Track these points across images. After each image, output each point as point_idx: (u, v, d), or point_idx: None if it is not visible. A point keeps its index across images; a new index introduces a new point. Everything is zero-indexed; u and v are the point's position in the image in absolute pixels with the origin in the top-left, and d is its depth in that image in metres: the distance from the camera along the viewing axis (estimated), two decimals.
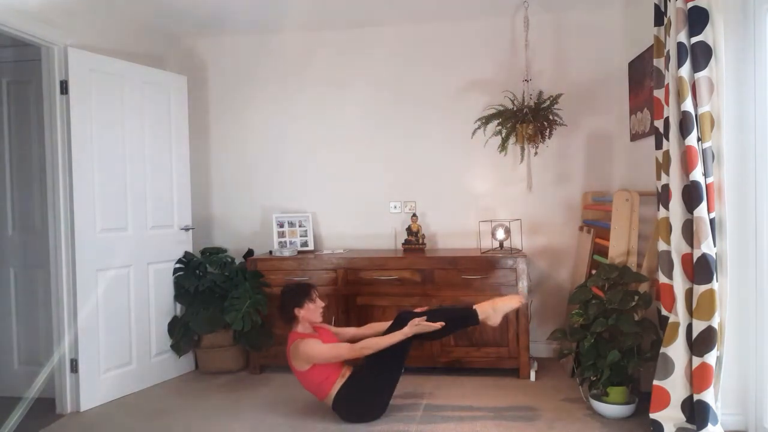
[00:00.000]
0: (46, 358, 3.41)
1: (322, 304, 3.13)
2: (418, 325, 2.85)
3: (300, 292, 3.07)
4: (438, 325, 2.85)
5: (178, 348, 3.81)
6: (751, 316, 2.63)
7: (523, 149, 3.85)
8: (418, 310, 3.14)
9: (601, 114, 4.00)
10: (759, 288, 2.60)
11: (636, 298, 2.93)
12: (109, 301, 3.45)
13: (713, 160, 2.50)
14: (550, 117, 3.67)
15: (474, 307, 3.00)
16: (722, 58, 2.48)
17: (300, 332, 3.06)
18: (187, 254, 3.94)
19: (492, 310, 2.98)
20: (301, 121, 4.37)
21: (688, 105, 2.48)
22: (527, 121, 3.63)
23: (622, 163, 3.94)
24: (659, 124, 2.75)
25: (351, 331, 3.29)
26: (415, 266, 3.70)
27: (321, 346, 2.95)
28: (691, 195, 2.48)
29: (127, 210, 3.59)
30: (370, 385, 2.97)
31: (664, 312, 2.69)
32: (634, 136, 3.68)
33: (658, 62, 2.78)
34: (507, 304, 3.01)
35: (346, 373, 2.99)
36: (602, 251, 3.46)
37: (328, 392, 2.96)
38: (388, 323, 3.08)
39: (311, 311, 3.06)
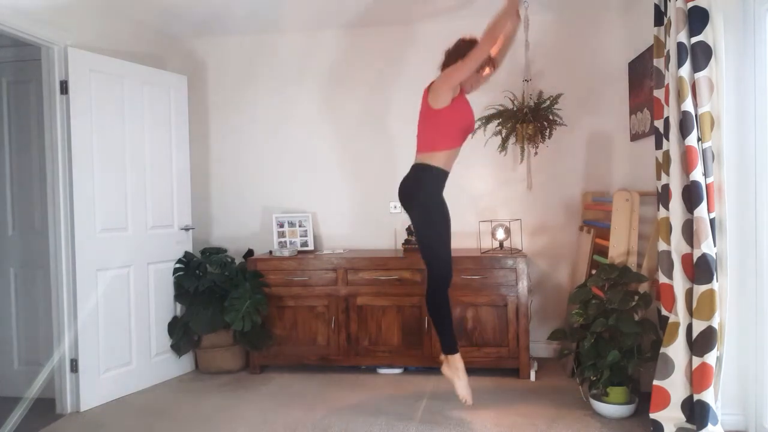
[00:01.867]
0: (46, 358, 3.41)
1: (488, 75, 3.00)
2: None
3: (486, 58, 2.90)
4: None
5: (178, 348, 3.81)
6: (751, 316, 2.62)
7: (523, 149, 3.84)
8: None
9: (601, 114, 4.00)
10: (759, 288, 2.60)
11: (636, 298, 2.93)
12: (109, 301, 3.45)
13: (713, 160, 2.50)
14: (550, 117, 3.67)
15: (458, 354, 2.93)
16: (722, 58, 2.48)
17: None
18: (187, 254, 3.94)
19: (455, 369, 2.92)
20: (301, 120, 4.37)
21: (688, 105, 2.48)
22: (527, 121, 3.63)
23: (622, 163, 3.94)
24: (659, 124, 2.75)
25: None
26: (415, 266, 3.70)
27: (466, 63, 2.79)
28: (691, 195, 2.48)
29: (127, 210, 3.59)
30: (441, 201, 2.93)
31: (664, 312, 2.69)
32: (634, 136, 3.68)
33: (658, 62, 2.78)
34: (460, 384, 2.90)
35: (449, 165, 2.93)
36: (602, 251, 3.46)
37: (430, 151, 2.88)
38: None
39: (474, 79, 2.96)
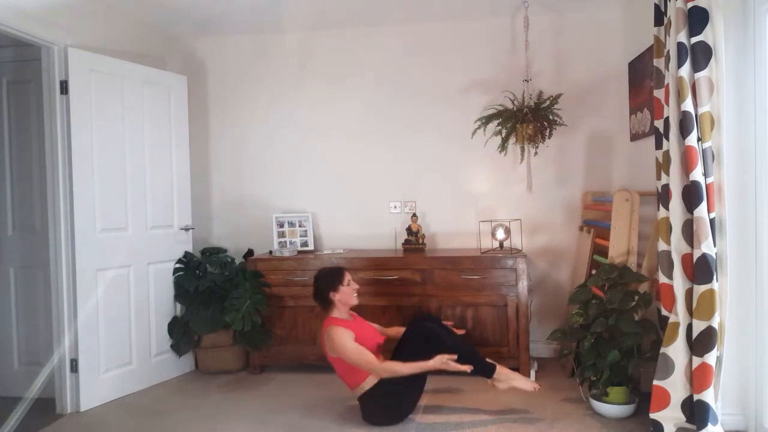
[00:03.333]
0: (46, 358, 3.41)
1: (356, 287, 3.10)
2: (445, 363, 2.81)
3: (333, 276, 3.05)
4: (466, 368, 2.83)
5: (178, 348, 3.81)
6: (751, 316, 2.62)
7: (523, 149, 3.85)
8: (446, 323, 3.20)
9: (601, 114, 4.00)
10: (759, 288, 2.60)
11: (636, 298, 2.93)
12: (109, 301, 3.45)
13: (713, 160, 2.50)
14: (550, 117, 3.67)
15: (497, 365, 2.98)
16: (722, 58, 2.48)
17: (335, 317, 3.02)
18: (187, 254, 3.94)
19: (505, 377, 2.97)
20: (301, 121, 4.37)
21: (688, 105, 2.48)
22: (527, 121, 3.63)
23: (622, 163, 3.94)
24: (659, 124, 2.75)
25: (379, 328, 3.28)
26: (415, 266, 3.70)
27: (350, 344, 2.89)
28: (691, 195, 2.48)
29: (127, 210, 3.59)
30: (400, 392, 2.94)
31: (664, 312, 2.69)
32: (634, 136, 3.68)
33: (658, 62, 2.78)
34: (521, 382, 2.98)
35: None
36: (602, 251, 3.46)
37: (360, 383, 2.91)
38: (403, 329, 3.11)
39: (346, 294, 3.03)
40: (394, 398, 2.93)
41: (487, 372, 2.98)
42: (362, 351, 2.89)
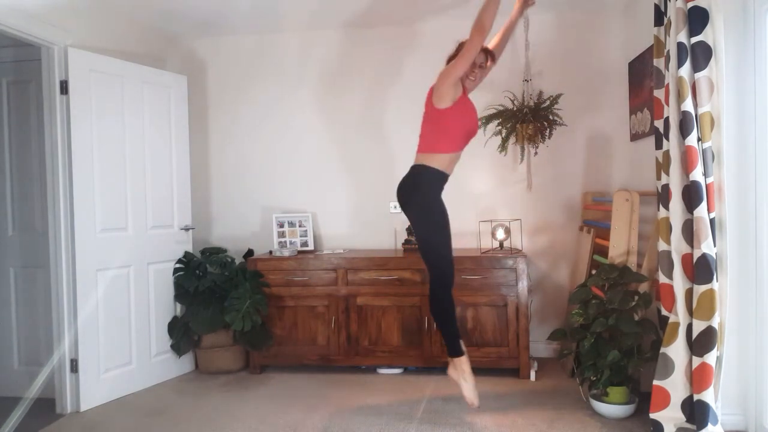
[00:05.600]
0: (46, 358, 3.41)
1: (483, 76, 3.01)
2: None
3: (482, 51, 2.87)
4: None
5: (178, 348, 3.81)
6: (751, 316, 2.63)
7: (523, 149, 3.84)
8: None
9: (601, 114, 4.00)
10: (759, 288, 2.60)
11: (636, 298, 2.93)
12: (109, 301, 3.45)
13: (713, 160, 2.50)
14: (550, 117, 3.67)
15: (465, 356, 2.89)
16: (722, 58, 2.47)
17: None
18: (187, 254, 3.94)
19: (461, 372, 2.88)
20: (301, 121, 4.37)
21: (688, 105, 2.48)
22: (527, 121, 3.63)
23: (622, 163, 3.94)
24: (659, 124, 2.75)
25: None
26: (415, 266, 3.69)
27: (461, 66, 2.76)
28: (691, 195, 2.48)
29: (127, 210, 3.59)
30: (436, 194, 2.90)
31: (664, 312, 2.69)
32: (634, 136, 3.68)
33: (658, 62, 2.78)
34: (466, 387, 2.87)
35: (449, 168, 2.91)
36: (602, 251, 3.46)
37: (429, 151, 2.87)
38: None
39: (473, 74, 2.91)
40: (433, 190, 2.88)
41: (453, 351, 2.89)
42: (466, 54, 2.73)
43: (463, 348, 2.91)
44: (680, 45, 2.49)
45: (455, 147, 2.91)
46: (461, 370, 2.89)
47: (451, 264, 2.93)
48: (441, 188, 2.94)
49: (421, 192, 2.89)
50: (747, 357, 2.64)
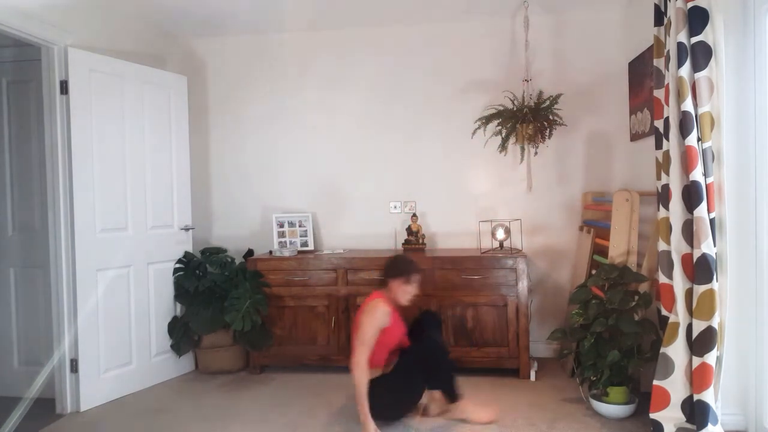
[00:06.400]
0: (46, 358, 3.41)
1: (416, 292, 3.06)
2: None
3: (406, 269, 3.01)
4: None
5: (178, 348, 3.81)
6: (751, 316, 2.63)
7: (523, 149, 3.85)
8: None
9: (601, 114, 4.00)
10: (759, 288, 2.60)
11: (636, 298, 2.93)
12: (109, 301, 3.45)
13: (713, 160, 2.50)
14: (550, 117, 3.67)
15: (461, 400, 2.96)
16: (722, 58, 2.48)
17: (384, 296, 3.00)
18: (187, 254, 3.94)
19: (464, 410, 2.96)
20: (301, 120, 4.37)
21: (688, 105, 2.48)
22: (527, 121, 3.63)
23: (622, 163, 3.94)
24: (659, 124, 2.75)
25: None
26: None
27: (373, 328, 2.87)
28: (691, 195, 2.48)
29: (127, 210, 3.59)
30: (406, 387, 2.93)
31: (664, 312, 2.69)
32: (634, 136, 3.68)
33: (658, 62, 2.78)
34: (478, 414, 2.95)
35: (390, 366, 2.95)
36: (602, 251, 3.46)
37: (372, 367, 2.89)
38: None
39: (402, 290, 2.99)
40: (394, 394, 2.93)
41: (450, 398, 2.97)
42: (369, 344, 2.86)
43: (459, 393, 2.98)
44: (680, 45, 2.49)
45: (379, 363, 2.97)
46: (464, 411, 2.96)
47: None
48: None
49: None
50: (747, 357, 2.64)
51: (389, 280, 3.01)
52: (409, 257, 3.19)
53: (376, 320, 2.89)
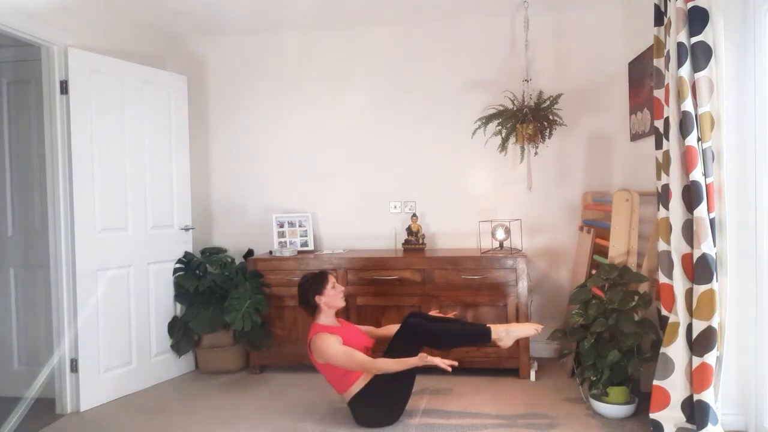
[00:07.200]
0: (46, 358, 3.41)
1: (342, 289, 3.09)
2: (424, 359, 2.79)
3: (318, 280, 3.04)
4: (447, 366, 2.80)
5: (178, 348, 3.81)
6: (751, 316, 2.62)
7: (523, 149, 3.85)
8: (432, 313, 3.16)
9: (601, 114, 4.00)
10: (759, 288, 2.60)
11: (636, 298, 2.93)
12: (109, 301, 3.45)
13: (713, 160, 2.50)
14: (550, 117, 3.68)
15: (489, 325, 2.99)
16: (722, 58, 2.48)
17: (322, 324, 3.01)
18: (187, 254, 3.94)
19: (505, 333, 2.96)
20: (301, 121, 4.37)
21: (688, 105, 2.48)
22: (527, 121, 3.63)
23: (622, 163, 3.94)
24: (659, 124, 2.75)
25: (370, 329, 3.29)
26: (415, 266, 3.70)
27: (338, 348, 2.89)
28: (691, 195, 2.48)
29: (127, 210, 3.59)
30: (389, 392, 2.93)
31: (664, 312, 2.69)
32: (634, 136, 3.68)
33: (658, 62, 2.78)
34: (521, 329, 2.99)
35: (368, 375, 2.94)
36: (602, 251, 3.46)
37: (348, 388, 2.91)
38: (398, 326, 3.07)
39: (332, 297, 3.02)
40: (383, 400, 2.93)
41: (483, 338, 2.97)
42: (351, 352, 2.89)
43: (485, 326, 2.99)
44: (680, 45, 2.49)
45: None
46: (505, 334, 2.96)
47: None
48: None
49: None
50: (747, 357, 2.64)
51: (315, 300, 3.01)
52: (308, 274, 3.16)
53: (333, 345, 2.89)
